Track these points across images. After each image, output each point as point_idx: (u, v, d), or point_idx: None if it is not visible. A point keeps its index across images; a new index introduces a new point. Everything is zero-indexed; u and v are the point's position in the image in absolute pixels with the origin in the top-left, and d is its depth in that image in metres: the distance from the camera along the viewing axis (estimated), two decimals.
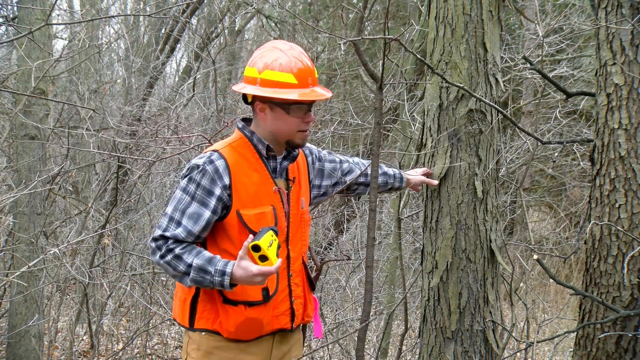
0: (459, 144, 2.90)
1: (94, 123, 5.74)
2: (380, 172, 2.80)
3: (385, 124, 5.48)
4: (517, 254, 5.89)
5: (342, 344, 4.68)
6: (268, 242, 2.10)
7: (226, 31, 9.50)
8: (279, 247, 2.17)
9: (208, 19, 9.35)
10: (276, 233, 2.17)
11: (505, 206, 5.17)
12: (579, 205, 7.92)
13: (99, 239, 5.32)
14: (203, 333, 2.29)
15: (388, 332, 4.73)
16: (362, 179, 2.75)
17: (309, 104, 2.26)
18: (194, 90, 5.86)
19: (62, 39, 8.46)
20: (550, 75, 5.08)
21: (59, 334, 5.56)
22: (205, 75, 9.31)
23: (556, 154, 5.85)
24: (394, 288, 4.93)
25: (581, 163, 5.36)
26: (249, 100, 2.33)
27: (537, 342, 3.18)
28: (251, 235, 2.11)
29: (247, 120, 2.40)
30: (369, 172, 2.73)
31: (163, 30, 8.82)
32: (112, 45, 9.13)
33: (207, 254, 2.18)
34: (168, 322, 5.54)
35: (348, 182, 2.69)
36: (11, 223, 4.51)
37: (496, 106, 2.90)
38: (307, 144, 2.61)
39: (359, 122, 4.95)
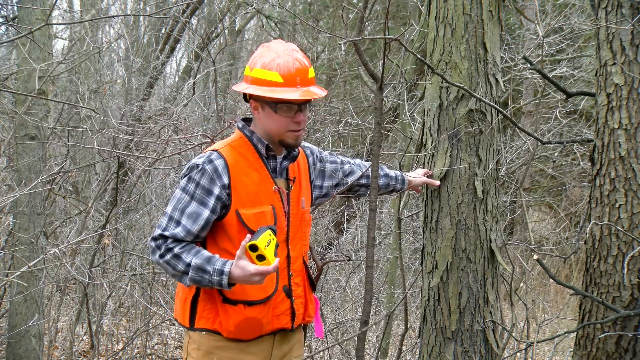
0: (459, 144, 2.90)
1: (94, 123, 5.73)
2: (381, 173, 2.80)
3: (385, 124, 5.48)
4: (517, 254, 5.89)
5: (342, 344, 4.68)
6: (266, 241, 2.10)
7: (226, 31, 9.49)
8: (277, 246, 2.17)
9: (208, 19, 9.35)
10: (274, 232, 2.17)
11: (505, 206, 5.17)
12: (579, 205, 7.92)
13: (99, 239, 5.32)
14: (203, 333, 2.29)
15: (388, 332, 4.73)
16: (363, 180, 2.75)
17: (299, 104, 2.24)
18: (194, 91, 5.86)
19: (62, 39, 8.47)
20: (550, 75, 5.08)
21: (59, 334, 5.56)
22: (205, 75, 9.30)
23: (556, 154, 5.85)
24: (394, 288, 4.93)
25: (581, 163, 5.36)
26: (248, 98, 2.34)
27: (537, 342, 3.18)
28: (249, 235, 2.12)
29: (247, 120, 2.40)
30: (370, 173, 2.73)
31: (163, 30, 8.82)
32: (112, 45, 9.13)
33: (205, 253, 2.19)
34: (168, 322, 5.54)
35: (349, 184, 2.69)
36: (11, 223, 4.51)
37: (496, 106, 2.90)
38: (308, 145, 2.61)
39: (359, 122, 4.95)
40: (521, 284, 6.71)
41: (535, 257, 2.79)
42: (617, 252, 2.70)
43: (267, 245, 2.10)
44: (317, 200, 2.66)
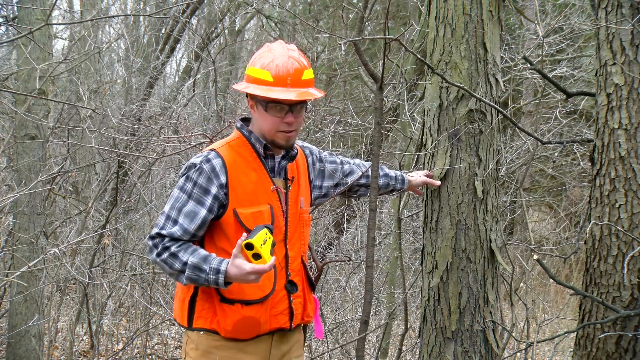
0: (459, 144, 2.90)
1: (94, 123, 5.74)
2: (381, 173, 2.80)
3: (385, 124, 5.48)
4: (517, 254, 5.89)
5: (342, 344, 4.67)
6: (262, 240, 2.10)
7: (226, 31, 9.49)
8: (273, 244, 2.17)
9: (208, 19, 9.35)
10: (271, 231, 2.18)
11: (505, 206, 5.17)
12: (579, 205, 7.92)
13: (99, 239, 5.32)
14: (201, 332, 2.29)
15: (388, 332, 4.73)
16: (363, 180, 2.75)
17: (290, 105, 2.23)
18: (194, 91, 5.86)
19: (62, 39, 8.47)
20: (550, 75, 5.08)
21: (59, 334, 5.56)
22: (205, 75, 9.30)
23: (556, 154, 5.85)
24: (394, 288, 4.92)
25: (581, 163, 5.36)
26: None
27: (537, 342, 3.18)
28: (245, 234, 2.12)
29: (247, 120, 2.41)
30: (370, 173, 2.73)
31: (163, 30, 8.82)
32: (112, 45, 9.13)
33: (202, 252, 2.19)
34: (168, 322, 5.54)
35: (349, 184, 2.69)
36: (11, 223, 4.51)
37: (496, 106, 2.90)
38: (308, 145, 2.62)
39: (359, 122, 4.95)
40: (521, 284, 6.71)
41: (535, 257, 2.79)
42: (617, 252, 2.70)
43: (263, 244, 2.10)
44: (317, 201, 2.66)
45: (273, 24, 8.80)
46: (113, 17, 8.32)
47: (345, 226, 6.85)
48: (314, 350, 4.75)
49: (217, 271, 2.13)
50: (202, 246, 2.30)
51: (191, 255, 2.17)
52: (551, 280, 2.91)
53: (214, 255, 2.18)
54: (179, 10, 8.11)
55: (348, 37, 2.89)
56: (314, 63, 7.38)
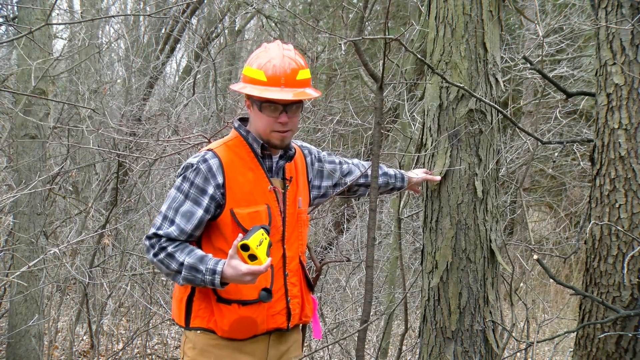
0: (459, 144, 2.90)
1: (94, 123, 5.74)
2: (380, 172, 2.80)
3: (385, 124, 5.48)
4: (517, 254, 5.89)
5: (342, 344, 4.68)
6: (257, 241, 2.10)
7: (226, 31, 9.49)
8: (269, 245, 2.17)
9: (208, 19, 9.35)
10: (267, 231, 2.17)
11: (505, 206, 5.17)
12: (579, 205, 7.92)
13: (99, 239, 5.32)
14: (198, 332, 2.30)
15: (388, 332, 4.73)
16: (362, 180, 2.75)
17: (284, 105, 2.23)
18: (194, 90, 5.86)
19: (62, 39, 8.47)
20: (550, 75, 5.08)
21: (59, 334, 5.56)
22: (205, 75, 9.31)
23: (556, 154, 5.84)
24: (394, 288, 4.92)
25: (581, 163, 5.36)
26: None
27: (537, 342, 3.18)
28: (240, 235, 2.12)
29: (245, 120, 2.41)
30: (369, 173, 2.73)
31: (163, 30, 8.82)
32: (112, 45, 9.13)
33: (199, 252, 2.19)
34: (168, 322, 5.54)
35: (349, 183, 2.69)
36: (11, 223, 4.51)
37: (496, 106, 2.90)
38: (307, 145, 2.61)
39: (359, 122, 4.95)
40: (521, 284, 6.71)
41: (535, 257, 2.79)
42: (617, 252, 2.70)
43: (259, 245, 2.10)
44: (316, 201, 2.66)
45: (273, 24, 8.80)
46: (113, 17, 8.32)
47: (345, 226, 6.85)
48: (314, 348, 4.75)
49: (214, 272, 2.13)
50: (200, 246, 2.30)
51: (187, 256, 2.17)
52: (551, 280, 2.91)
53: (210, 255, 2.18)
54: (179, 10, 8.11)
55: (348, 37, 2.89)
56: (314, 63, 7.38)
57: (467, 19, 2.88)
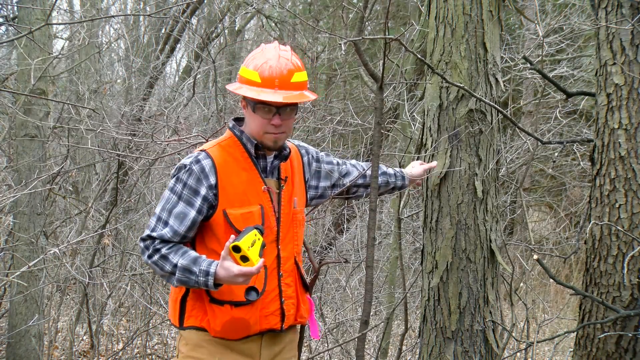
0: (459, 144, 2.90)
1: (90, 123, 5.74)
2: (379, 172, 2.79)
3: (385, 124, 5.48)
4: (517, 254, 5.89)
5: (342, 344, 4.68)
6: (250, 242, 2.10)
7: (226, 31, 9.50)
8: (263, 246, 2.16)
9: (208, 19, 9.35)
10: (261, 232, 2.17)
11: (505, 206, 5.17)
12: (579, 205, 7.92)
13: (99, 239, 5.32)
14: (192, 330, 2.30)
15: (388, 332, 4.73)
16: (361, 181, 2.74)
17: (278, 107, 2.23)
18: (194, 90, 5.86)
19: (62, 39, 8.47)
20: (550, 75, 5.08)
21: (59, 334, 5.56)
22: (205, 75, 9.30)
23: (556, 154, 5.84)
24: (394, 288, 4.93)
25: (581, 163, 5.36)
26: None
27: (537, 342, 3.18)
28: (232, 236, 2.12)
29: (240, 120, 2.41)
30: (368, 173, 2.72)
31: (163, 30, 8.82)
32: (112, 45, 9.13)
33: (192, 254, 2.20)
34: (168, 322, 5.54)
35: (348, 184, 2.67)
36: (11, 223, 4.51)
37: (496, 106, 2.90)
38: (304, 145, 2.60)
39: (359, 122, 4.95)
40: (521, 284, 6.71)
41: (535, 257, 2.79)
42: (617, 252, 2.70)
43: (252, 246, 2.10)
44: (314, 201, 2.65)
45: (273, 24, 8.81)
46: (113, 17, 8.32)
47: (345, 226, 6.84)
48: (314, 349, 4.75)
49: (207, 273, 2.13)
50: (194, 246, 2.30)
51: (181, 258, 2.18)
52: (551, 280, 2.91)
53: (203, 257, 2.19)
54: (179, 10, 8.11)
55: (348, 37, 2.89)
56: (314, 63, 7.38)
57: (467, 19, 2.88)
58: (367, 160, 2.86)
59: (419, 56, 2.97)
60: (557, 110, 4.15)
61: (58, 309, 5.40)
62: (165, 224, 2.23)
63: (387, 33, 2.85)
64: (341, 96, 7.99)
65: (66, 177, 6.09)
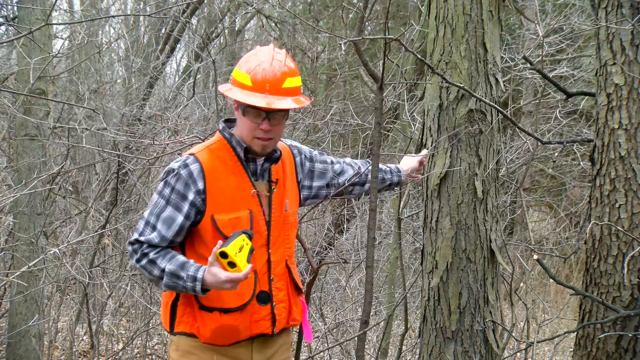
0: (459, 144, 2.90)
1: (99, 119, 5.75)
2: None
3: (385, 124, 5.48)
4: (517, 254, 5.89)
5: (342, 344, 4.68)
6: (237, 247, 2.07)
7: (226, 31, 9.50)
8: (251, 251, 2.14)
9: (208, 19, 9.35)
10: (249, 236, 2.14)
11: (505, 206, 5.16)
12: (579, 205, 7.92)
13: (99, 239, 5.31)
14: (182, 336, 2.29)
15: (388, 332, 4.73)
16: (356, 179, 2.69)
17: (267, 112, 2.18)
18: (194, 91, 5.86)
19: (62, 39, 8.47)
20: (550, 75, 5.07)
21: (59, 334, 5.56)
22: (205, 75, 9.30)
23: (556, 154, 5.84)
24: (394, 288, 4.92)
25: (581, 163, 5.35)
26: None
27: (537, 342, 3.18)
28: (220, 241, 2.09)
29: (230, 121, 2.37)
30: (362, 170, 2.68)
31: (163, 30, 8.82)
32: (112, 45, 9.13)
33: (180, 258, 2.18)
34: None
35: (346, 184, 2.63)
36: (11, 223, 4.51)
37: (496, 106, 2.90)
38: (297, 144, 2.56)
39: (359, 122, 4.95)
40: (521, 284, 6.71)
41: (535, 257, 2.79)
42: (617, 252, 2.70)
43: (239, 252, 2.07)
44: (307, 201, 2.61)
45: (273, 24, 8.80)
46: (113, 17, 8.32)
47: (345, 226, 6.84)
48: (314, 349, 4.75)
49: (194, 279, 2.11)
50: (183, 250, 2.28)
51: (169, 262, 2.16)
52: (551, 280, 2.91)
53: (191, 262, 2.17)
54: (179, 10, 8.11)
55: (348, 37, 2.89)
56: (314, 63, 7.38)
57: (467, 19, 2.88)
58: (367, 159, 2.84)
59: (419, 56, 2.97)
60: (557, 110, 4.16)
61: (58, 309, 5.40)
62: (153, 228, 2.21)
63: (387, 33, 2.85)
64: (341, 96, 7.98)
65: (66, 177, 6.09)
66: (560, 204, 8.27)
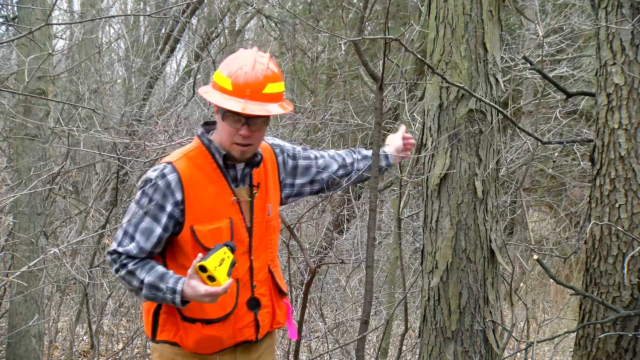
0: (459, 144, 2.90)
1: (94, 123, 5.74)
2: (359, 156, 2.67)
3: (385, 124, 5.47)
4: (517, 254, 5.89)
5: (342, 344, 4.68)
6: (217, 261, 2.04)
7: (226, 31, 9.49)
8: (232, 264, 2.10)
9: (208, 19, 9.35)
10: (232, 250, 2.11)
11: (505, 206, 5.17)
12: (579, 205, 7.92)
13: (99, 239, 5.31)
14: (165, 344, 2.27)
15: (388, 332, 4.73)
16: (341, 172, 2.60)
17: (247, 117, 2.12)
18: (194, 90, 5.86)
19: (62, 39, 8.47)
20: (550, 75, 5.08)
21: (59, 334, 5.56)
22: (205, 75, 9.30)
23: (556, 154, 5.84)
24: (394, 288, 4.92)
25: (581, 163, 5.36)
26: None
27: (537, 342, 3.18)
28: (200, 254, 2.05)
29: (210, 124, 2.31)
30: (347, 162, 2.61)
31: (163, 30, 8.82)
32: (112, 45, 9.13)
33: (159, 269, 2.14)
34: None
35: (344, 184, 2.58)
36: (11, 223, 4.51)
37: (496, 106, 2.90)
38: (279, 142, 2.49)
39: (359, 122, 4.95)
40: (521, 284, 6.71)
41: (535, 257, 2.79)
42: (617, 252, 2.70)
43: (219, 265, 2.04)
44: (290, 199, 2.55)
45: (273, 24, 8.80)
46: (113, 17, 8.33)
47: (345, 226, 6.85)
48: (314, 350, 4.75)
49: (174, 291, 2.08)
50: (164, 260, 2.24)
51: (148, 274, 2.12)
52: (551, 280, 2.91)
53: (171, 273, 2.13)
54: (179, 10, 8.11)
55: (348, 37, 2.89)
56: (314, 63, 7.38)
57: (467, 19, 2.88)
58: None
59: (419, 56, 2.97)
60: (557, 110, 4.16)
61: (58, 309, 5.40)
62: (132, 238, 2.16)
63: (387, 33, 2.85)
64: (341, 96, 7.98)
65: (66, 177, 6.09)
66: (560, 204, 8.27)
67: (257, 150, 2.28)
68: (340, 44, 4.14)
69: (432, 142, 2.98)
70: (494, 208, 2.97)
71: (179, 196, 2.16)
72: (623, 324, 2.69)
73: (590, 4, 2.95)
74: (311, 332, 5.00)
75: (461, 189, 2.90)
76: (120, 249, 2.16)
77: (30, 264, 3.14)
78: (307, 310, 4.17)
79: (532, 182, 8.82)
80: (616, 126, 2.70)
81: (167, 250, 2.24)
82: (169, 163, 2.20)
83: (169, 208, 2.15)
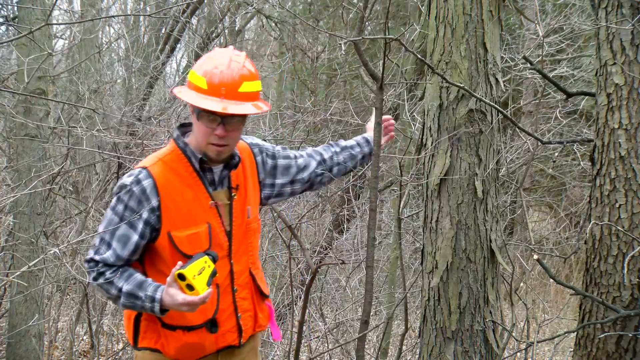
0: (459, 144, 2.90)
1: (94, 123, 5.74)
2: (338, 148, 2.61)
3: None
4: (517, 254, 5.89)
5: (342, 344, 4.68)
6: (197, 270, 2.02)
7: (226, 31, 9.49)
8: (213, 274, 2.07)
9: (208, 19, 9.35)
10: (213, 259, 2.08)
11: (505, 206, 5.17)
12: (579, 205, 7.92)
13: None
14: (147, 351, 2.24)
15: (388, 332, 4.73)
16: (320, 169, 2.55)
17: (222, 117, 2.07)
18: None
19: (62, 38, 8.47)
20: (550, 75, 5.08)
21: (59, 334, 5.56)
22: None
23: (556, 154, 5.84)
24: (394, 288, 4.92)
25: (581, 163, 5.36)
26: None
27: (537, 342, 3.18)
28: (180, 262, 2.03)
29: (187, 125, 2.26)
30: (326, 157, 2.57)
31: (163, 30, 8.82)
32: (112, 45, 9.13)
33: (138, 277, 2.11)
34: None
35: (326, 182, 2.55)
36: (11, 223, 4.51)
37: (496, 106, 2.90)
38: (257, 142, 2.44)
39: (359, 122, 4.94)
40: (521, 284, 6.71)
41: (535, 257, 2.79)
42: (617, 252, 2.70)
43: (199, 274, 2.02)
44: (270, 200, 2.50)
45: (273, 24, 8.80)
46: (113, 17, 8.32)
47: (345, 226, 6.85)
48: (314, 350, 4.75)
49: (152, 299, 2.05)
50: (143, 266, 2.21)
51: (126, 282, 2.08)
52: (551, 280, 2.91)
53: (149, 280, 2.10)
54: (179, 10, 8.11)
55: (348, 37, 2.88)
56: (314, 63, 7.39)
57: (467, 19, 2.88)
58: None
59: (419, 56, 2.97)
60: (557, 110, 4.16)
61: (58, 309, 5.40)
62: (109, 246, 2.12)
63: (387, 33, 2.85)
64: (341, 96, 7.98)
65: (66, 177, 6.09)
66: (560, 204, 8.27)
67: (235, 152, 2.24)
68: (340, 44, 4.14)
69: (432, 142, 2.98)
70: (494, 208, 2.97)
71: (154, 202, 2.11)
72: (623, 324, 2.69)
73: (590, 4, 2.96)
74: (311, 332, 5.00)
75: (461, 189, 2.90)
76: (97, 257, 2.12)
77: (30, 264, 3.14)
78: (307, 310, 4.17)
79: (532, 182, 8.82)
80: (616, 126, 2.70)
81: (145, 257, 2.20)
82: (144, 168, 2.15)
83: (145, 214, 2.10)
